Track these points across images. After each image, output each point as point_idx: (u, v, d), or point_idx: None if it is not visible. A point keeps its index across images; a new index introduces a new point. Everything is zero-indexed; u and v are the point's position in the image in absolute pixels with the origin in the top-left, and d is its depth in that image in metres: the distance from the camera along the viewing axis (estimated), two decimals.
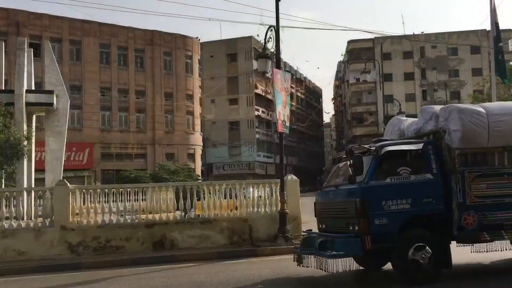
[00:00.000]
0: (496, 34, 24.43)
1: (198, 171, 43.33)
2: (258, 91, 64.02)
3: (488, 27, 26.02)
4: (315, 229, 8.70)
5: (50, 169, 18.82)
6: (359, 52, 65.72)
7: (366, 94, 67.83)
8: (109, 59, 40.93)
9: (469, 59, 64.55)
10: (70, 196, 11.12)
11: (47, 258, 10.54)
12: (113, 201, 13.28)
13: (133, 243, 11.28)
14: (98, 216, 11.30)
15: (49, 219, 11.20)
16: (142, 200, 11.98)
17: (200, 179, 34.43)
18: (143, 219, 11.56)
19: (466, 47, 62.19)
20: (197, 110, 46.50)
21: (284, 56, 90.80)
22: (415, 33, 65.40)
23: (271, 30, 12.58)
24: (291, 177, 12.78)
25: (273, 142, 64.10)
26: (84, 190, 11.75)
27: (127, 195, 13.86)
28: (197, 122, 46.20)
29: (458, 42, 61.49)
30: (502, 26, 25.51)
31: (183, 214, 11.83)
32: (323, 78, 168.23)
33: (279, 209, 11.98)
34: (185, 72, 44.70)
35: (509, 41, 61.20)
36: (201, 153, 48.16)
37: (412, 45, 64.96)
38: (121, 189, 12.10)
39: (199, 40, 48.77)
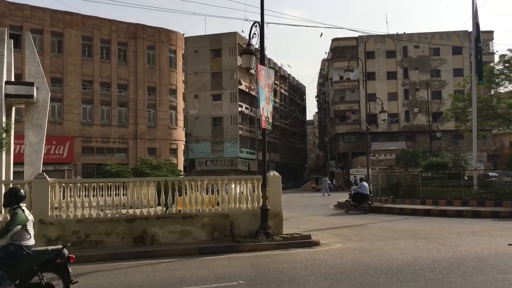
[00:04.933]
0: (477, 34, 24.86)
1: (181, 167, 43.15)
2: (242, 87, 63.94)
3: (470, 29, 26.41)
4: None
5: (29, 162, 18.50)
6: (343, 50, 66.10)
7: (349, 92, 68.26)
8: (92, 52, 40.42)
9: (451, 60, 65.41)
10: (49, 190, 10.96)
11: None
12: (93, 196, 13.13)
13: (113, 238, 11.18)
14: (77, 211, 11.16)
15: None
16: (123, 194, 11.86)
17: (182, 175, 34.31)
18: (124, 214, 11.46)
19: (448, 47, 63.04)
20: (180, 105, 46.22)
21: (269, 53, 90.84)
22: (398, 33, 65.97)
23: (256, 26, 12.55)
24: (273, 174, 12.80)
25: (256, 139, 64.18)
26: (64, 184, 11.59)
27: (108, 189, 13.72)
28: (180, 117, 45.92)
29: (440, 43, 62.24)
30: (484, 27, 25.94)
31: (164, 209, 11.76)
32: (307, 76, 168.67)
33: (260, 205, 11.99)
34: (169, 66, 44.37)
35: (490, 42, 62.18)
36: (183, 148, 47.92)
37: (395, 44, 65.56)
38: (101, 184, 11.95)
39: (183, 34, 48.45)
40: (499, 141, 67.38)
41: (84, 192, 11.47)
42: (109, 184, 12.29)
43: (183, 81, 48.22)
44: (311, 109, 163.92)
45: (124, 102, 41.76)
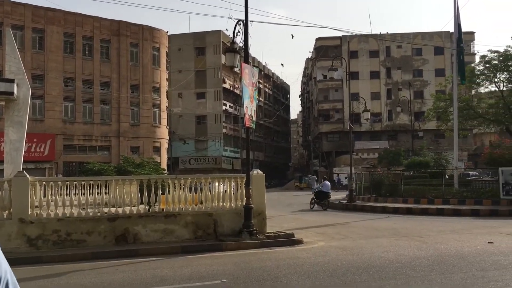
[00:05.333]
0: (459, 35, 25.21)
1: (164, 165, 42.90)
2: (226, 85, 63.84)
3: (452, 29, 26.75)
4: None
5: (9, 160, 18.15)
6: (327, 50, 66.45)
7: (333, 92, 68.63)
8: (74, 48, 39.91)
9: (433, 60, 66.20)
10: (30, 188, 10.80)
11: (4, 252, 10.06)
12: (74, 194, 12.98)
13: (94, 237, 11.06)
14: (58, 209, 11.02)
15: (7, 212, 10.84)
16: (105, 193, 11.75)
17: (165, 173, 34.10)
18: (106, 213, 11.35)
19: (430, 48, 63.79)
20: (164, 103, 45.94)
21: (253, 52, 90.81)
22: (381, 33, 66.52)
23: (240, 24, 12.52)
24: (257, 172, 12.80)
25: (240, 137, 64.17)
26: (44, 182, 11.42)
27: (89, 188, 13.56)
28: (164, 115, 45.64)
29: (422, 43, 62.93)
30: (465, 28, 26.30)
31: (147, 207, 11.67)
32: (291, 75, 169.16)
33: (244, 204, 11.98)
34: (152, 64, 44.05)
35: (471, 43, 63.08)
36: (167, 146, 47.66)
37: (378, 44, 66.11)
38: (83, 182, 11.79)
39: (167, 32, 48.14)
40: (479, 140, 68.45)
41: (65, 191, 11.34)
42: (91, 182, 12.15)
43: (166, 79, 47.93)
44: (295, 108, 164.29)
45: (106, 100, 41.34)
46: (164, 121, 45.76)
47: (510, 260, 8.61)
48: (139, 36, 43.30)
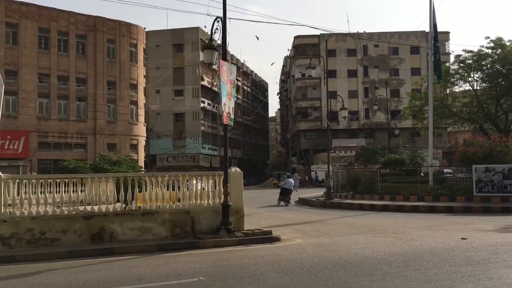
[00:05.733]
0: (435, 34, 25.62)
1: (141, 163, 42.57)
2: (204, 83, 63.58)
3: (427, 29, 27.16)
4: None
5: None
6: (305, 48, 66.76)
7: (311, 90, 69.01)
8: (48, 44, 39.19)
9: (409, 59, 67.14)
10: (3, 186, 10.56)
11: None
12: (49, 192, 12.75)
13: (69, 235, 10.89)
14: (32, 207, 10.81)
15: None
16: (81, 191, 11.57)
17: (143, 171, 33.85)
18: (81, 211, 11.18)
19: (406, 47, 64.66)
20: (141, 100, 45.49)
21: (232, 49, 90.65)
22: (358, 32, 67.16)
23: (218, 21, 12.47)
24: (235, 170, 12.79)
25: (218, 135, 64.01)
26: (18, 180, 11.18)
27: (65, 186, 13.34)
28: (141, 112, 45.21)
29: (399, 42, 63.75)
30: (440, 28, 26.74)
31: (123, 205, 11.54)
32: (270, 73, 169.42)
33: (222, 201, 11.96)
34: (129, 60, 43.57)
35: (446, 43, 64.17)
36: (144, 144, 47.24)
37: (356, 43, 66.70)
38: (58, 180, 11.59)
39: (144, 28, 47.67)
40: (453, 138, 69.75)
41: (39, 189, 11.13)
42: (66, 180, 11.97)
43: (144, 76, 47.47)
44: (274, 106, 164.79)
45: (82, 96, 40.74)
46: (142, 118, 45.34)
47: (482, 256, 8.80)
48: (116, 32, 42.76)
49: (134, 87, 43.96)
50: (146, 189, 11.70)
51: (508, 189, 19.73)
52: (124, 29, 43.43)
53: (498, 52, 34.93)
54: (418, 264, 8.21)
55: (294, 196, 30.62)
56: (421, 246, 10.16)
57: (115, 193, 11.50)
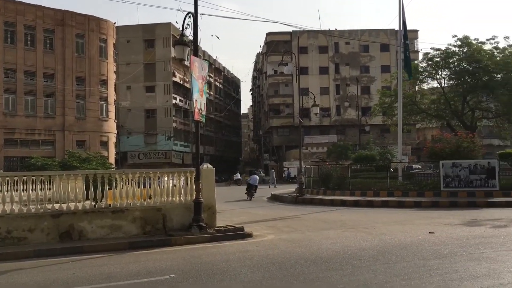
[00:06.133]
0: (404, 32, 26.05)
1: (112, 160, 41.94)
2: (176, 79, 63.06)
3: (397, 27, 27.62)
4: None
5: None
6: (277, 45, 66.90)
7: (283, 86, 69.27)
8: (15, 38, 38.18)
9: (379, 57, 68.13)
10: None
11: None
12: (15, 190, 12.42)
13: (37, 234, 10.65)
14: None
15: None
16: (49, 189, 11.32)
17: (113, 168, 33.31)
18: (49, 209, 10.94)
19: (377, 45, 65.60)
20: (112, 96, 44.80)
21: (204, 45, 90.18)
22: (330, 29, 67.75)
23: (190, 16, 12.37)
24: (206, 166, 12.73)
25: (191, 131, 63.61)
26: None
27: (32, 183, 13.03)
28: (111, 108, 44.53)
29: (369, 40, 64.60)
30: (409, 26, 27.23)
31: (93, 203, 11.35)
32: (242, 69, 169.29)
33: (194, 198, 11.90)
34: (99, 56, 42.84)
35: (415, 41, 65.34)
36: (115, 141, 46.56)
37: (327, 40, 67.25)
38: (25, 177, 11.31)
39: (114, 23, 46.91)
40: (422, 135, 71.16)
41: (5, 187, 10.83)
42: (34, 178, 11.68)
43: (114, 71, 46.77)
44: (246, 103, 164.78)
45: (50, 92, 39.84)
46: (112, 114, 44.67)
47: (449, 249, 9.02)
48: (85, 27, 41.96)
49: (104, 83, 43.25)
50: (116, 187, 11.54)
51: (474, 184, 20.26)
52: (93, 23, 42.65)
53: (464, 51, 35.79)
54: (388, 258, 8.35)
55: (267, 192, 30.78)
56: (390, 241, 10.34)
57: (84, 191, 11.30)
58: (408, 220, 14.37)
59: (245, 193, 27.93)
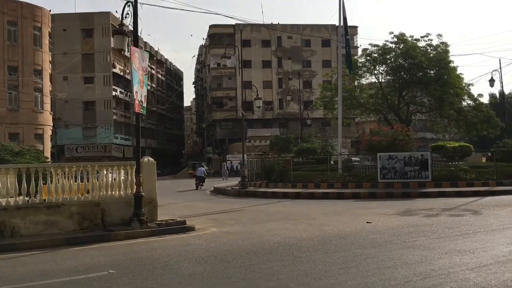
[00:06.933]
0: (345, 28, 26.66)
1: (48, 153, 40.16)
2: (116, 70, 61.34)
3: (337, 23, 28.22)
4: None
5: None
6: (221, 37, 66.54)
7: (226, 79, 69.10)
8: None
9: (321, 51, 69.42)
10: None
11: None
12: None
13: None
14: None
15: None
16: None
17: (49, 162, 31.93)
18: None
19: (318, 39, 66.76)
20: (47, 87, 42.88)
21: (145, 37, 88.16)
22: (273, 23, 68.21)
23: (129, 5, 12.04)
24: (147, 159, 12.49)
25: (132, 124, 62.17)
26: None
27: None
28: (47, 100, 42.63)
29: (311, 35, 65.66)
30: (349, 22, 27.88)
31: (26, 198, 10.84)
32: (185, 62, 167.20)
33: (134, 192, 11.65)
34: (33, 45, 40.84)
35: (354, 37, 67.09)
36: (51, 134, 44.68)
37: (270, 34, 67.67)
38: None
39: (50, 11, 44.86)
40: (361, 128, 73.36)
41: None
42: None
43: (50, 61, 44.76)
44: (189, 95, 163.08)
45: None
46: (48, 106, 42.81)
47: (385, 238, 9.38)
48: (18, 14, 39.84)
49: (39, 73, 41.33)
50: (51, 181, 11.08)
51: (408, 175, 21.16)
52: (26, 11, 40.56)
53: (400, 47, 37.14)
54: (327, 248, 8.57)
55: (210, 185, 30.70)
56: (330, 231, 10.61)
57: (16, 186, 10.77)
58: (347, 210, 14.81)
59: (195, 184, 30.81)
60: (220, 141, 68.71)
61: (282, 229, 11.23)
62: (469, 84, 38.08)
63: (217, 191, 27.18)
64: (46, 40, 42.64)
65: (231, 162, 60.13)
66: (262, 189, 24.05)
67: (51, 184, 11.06)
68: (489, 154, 30.51)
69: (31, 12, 40.92)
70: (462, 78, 37.42)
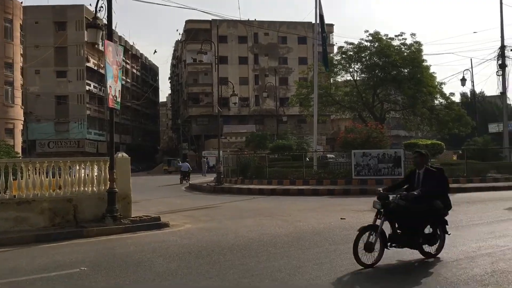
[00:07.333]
0: (321, 25, 26.81)
1: (18, 148, 39.28)
2: (90, 64, 60.34)
3: (313, 20, 28.36)
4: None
5: None
6: (197, 33, 66.10)
7: (202, 75, 68.74)
8: None
9: (297, 48, 69.66)
10: None
11: None
12: None
13: None
14: None
15: None
16: None
17: (19, 157, 31.25)
18: None
19: (295, 37, 67.01)
20: (18, 80, 41.86)
21: (120, 31, 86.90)
22: (249, 19, 68.01)
23: None
24: (121, 155, 12.34)
25: (106, 119, 61.29)
26: None
27: None
28: (18, 94, 41.62)
29: (288, 32, 65.81)
30: (326, 20, 28.04)
31: None
32: (161, 57, 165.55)
33: (108, 188, 11.49)
34: (4, 37, 39.80)
35: (330, 35, 67.53)
36: (22, 128, 43.69)
37: (247, 30, 67.56)
38: None
39: (21, 3, 43.78)
40: (336, 125, 73.94)
41: None
42: None
43: (21, 54, 43.71)
44: (165, 91, 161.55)
45: None
46: (19, 100, 41.81)
47: None
48: None
49: (10, 66, 40.33)
50: (21, 176, 10.84)
51: (382, 172, 21.47)
52: None
53: (375, 46, 37.55)
54: (301, 244, 8.62)
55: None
56: (304, 227, 10.68)
57: None
58: (322, 207, 14.93)
59: (180, 179, 32.28)
60: (196, 137, 68.36)
61: (257, 225, 11.24)
62: (441, 83, 38.70)
63: (193, 188, 27.06)
64: (17, 33, 41.62)
65: (207, 159, 59.98)
66: (238, 186, 24.04)
67: (22, 179, 10.83)
68: (460, 152, 31.15)
69: (2, 3, 39.86)
70: (435, 77, 38.06)
